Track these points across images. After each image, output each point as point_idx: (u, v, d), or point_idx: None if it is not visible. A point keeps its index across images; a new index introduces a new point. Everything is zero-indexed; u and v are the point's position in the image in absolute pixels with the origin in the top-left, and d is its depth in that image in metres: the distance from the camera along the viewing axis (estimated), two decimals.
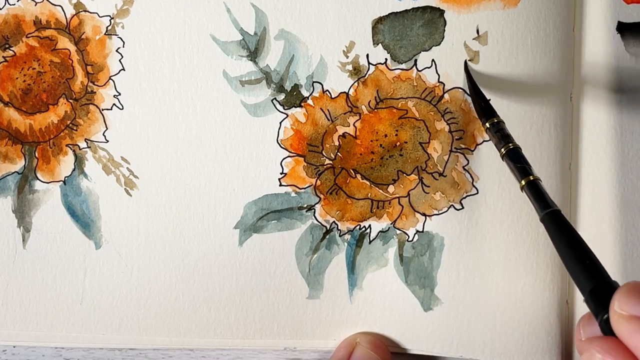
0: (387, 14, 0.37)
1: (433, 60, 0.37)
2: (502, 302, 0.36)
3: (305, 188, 0.37)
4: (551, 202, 0.30)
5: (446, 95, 0.37)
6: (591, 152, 0.36)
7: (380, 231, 0.37)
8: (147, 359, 0.39)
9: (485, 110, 0.35)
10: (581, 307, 0.36)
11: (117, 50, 0.38)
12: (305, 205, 0.37)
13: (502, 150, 0.33)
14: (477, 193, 0.36)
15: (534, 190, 0.31)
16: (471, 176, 0.37)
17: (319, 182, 0.37)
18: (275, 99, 0.38)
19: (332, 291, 0.37)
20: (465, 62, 0.36)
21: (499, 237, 0.36)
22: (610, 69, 0.36)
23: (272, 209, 0.38)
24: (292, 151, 0.37)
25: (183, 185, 0.38)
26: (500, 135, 0.33)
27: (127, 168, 0.38)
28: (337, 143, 0.37)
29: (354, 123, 0.37)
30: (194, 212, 0.38)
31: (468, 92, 0.36)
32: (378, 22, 0.37)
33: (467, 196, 0.37)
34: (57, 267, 0.38)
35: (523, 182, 0.31)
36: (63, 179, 0.39)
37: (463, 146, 0.37)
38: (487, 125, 0.34)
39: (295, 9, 0.37)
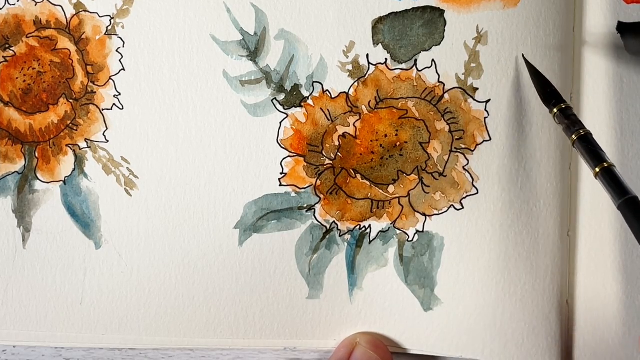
0: (387, 14, 0.37)
1: (433, 60, 0.37)
2: (502, 302, 0.36)
3: (305, 188, 0.37)
4: (628, 188, 0.29)
5: (446, 95, 0.37)
6: None
7: (380, 231, 0.37)
8: (147, 359, 0.39)
9: (553, 96, 0.34)
10: (581, 307, 0.36)
11: (117, 50, 0.38)
12: (305, 205, 0.37)
13: (573, 136, 0.31)
14: (477, 193, 0.36)
15: (610, 177, 0.29)
16: (471, 176, 0.37)
17: (319, 182, 0.37)
18: (275, 99, 0.38)
19: (332, 291, 0.37)
20: (523, 55, 0.36)
21: (499, 237, 0.36)
22: (610, 69, 0.36)
23: (272, 209, 0.38)
24: (292, 151, 0.37)
25: (183, 185, 0.38)
26: (570, 122, 0.32)
27: (127, 168, 0.38)
28: (337, 143, 0.37)
29: (354, 123, 0.37)
30: (194, 212, 0.38)
31: (532, 82, 0.35)
32: (378, 22, 0.37)
33: (467, 196, 0.37)
34: (57, 267, 0.38)
35: (597, 169, 0.30)
36: (63, 179, 0.39)
37: (463, 146, 0.37)
38: (555, 111, 0.33)
39: (295, 9, 0.37)
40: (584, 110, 0.36)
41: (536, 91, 0.35)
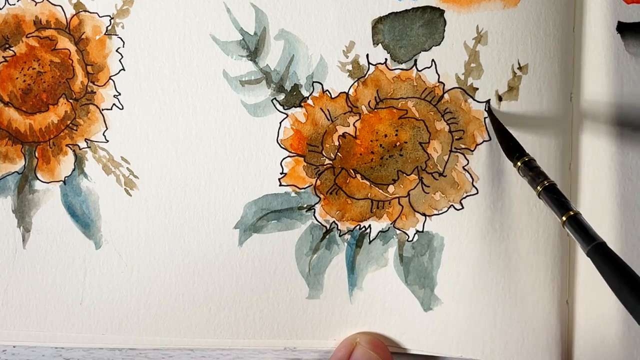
0: (387, 14, 0.37)
1: (433, 60, 0.37)
2: (502, 302, 0.36)
3: (305, 188, 0.37)
4: (595, 235, 0.29)
5: (446, 95, 0.37)
6: (591, 153, 0.36)
7: (380, 231, 0.37)
8: (147, 359, 0.39)
9: (515, 150, 0.34)
10: (581, 307, 0.36)
11: (117, 50, 0.38)
12: (305, 205, 0.37)
13: (538, 187, 0.32)
14: (477, 193, 0.36)
15: (577, 225, 0.30)
16: (471, 176, 0.37)
17: (319, 182, 0.37)
18: (275, 99, 0.38)
19: (332, 291, 0.37)
20: (488, 103, 0.36)
21: (499, 237, 0.36)
22: (610, 69, 0.36)
23: (272, 209, 0.38)
24: (292, 151, 0.37)
25: (183, 185, 0.38)
26: (534, 174, 0.33)
27: (127, 168, 0.38)
28: (337, 143, 0.37)
29: (354, 123, 0.37)
30: (194, 212, 0.38)
31: (494, 133, 0.36)
32: (378, 22, 0.37)
33: (467, 196, 0.37)
34: (57, 267, 0.38)
35: (564, 218, 0.30)
36: (63, 179, 0.39)
37: (463, 146, 0.37)
38: (519, 164, 0.33)
39: (295, 9, 0.37)
40: (584, 110, 0.36)
41: (499, 145, 0.35)
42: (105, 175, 0.38)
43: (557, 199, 0.31)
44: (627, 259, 0.35)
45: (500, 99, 0.36)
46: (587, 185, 0.36)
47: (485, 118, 0.36)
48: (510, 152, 0.34)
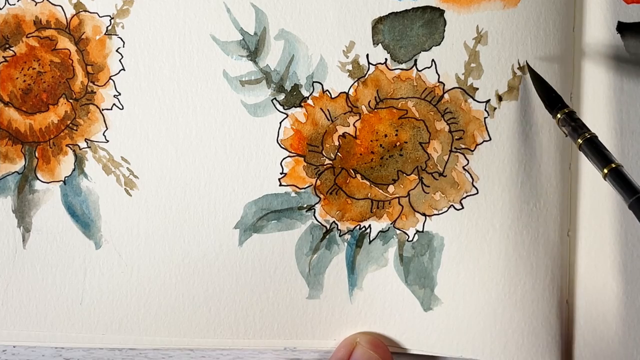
0: (387, 14, 0.37)
1: (433, 60, 0.37)
2: (502, 302, 0.36)
3: (305, 188, 0.37)
4: (638, 187, 0.29)
5: (446, 95, 0.37)
6: None
7: (380, 231, 0.37)
8: (147, 359, 0.39)
9: (557, 101, 0.34)
10: (581, 307, 0.36)
11: (117, 50, 0.38)
12: (305, 205, 0.37)
13: (579, 140, 0.32)
14: (477, 193, 0.36)
15: (618, 177, 0.29)
16: (471, 176, 0.37)
17: (319, 182, 0.37)
18: (275, 99, 0.38)
19: (332, 291, 0.37)
20: (527, 63, 0.36)
21: (499, 237, 0.36)
22: (610, 69, 0.36)
23: (272, 209, 0.38)
24: (292, 151, 0.37)
25: (183, 185, 0.38)
26: (576, 125, 0.32)
27: (127, 168, 0.38)
28: (337, 143, 0.37)
29: (354, 123, 0.37)
30: (194, 212, 0.38)
31: (534, 88, 0.36)
32: (378, 22, 0.37)
33: (467, 196, 0.37)
34: (57, 267, 0.38)
35: (605, 170, 0.30)
36: (63, 179, 0.39)
37: (463, 146, 0.37)
38: (559, 116, 0.33)
39: (295, 9, 0.37)
40: (584, 110, 0.36)
41: (539, 97, 0.35)
42: (105, 175, 0.38)
43: (599, 151, 0.31)
44: (627, 259, 0.36)
45: (500, 99, 0.36)
46: (587, 185, 0.36)
47: (485, 118, 0.36)
48: (551, 104, 0.34)
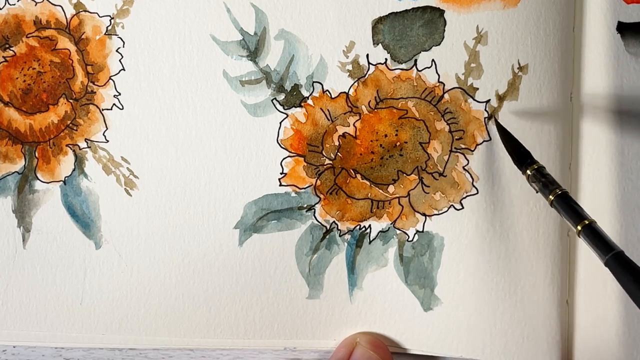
0: (387, 14, 0.37)
1: (433, 60, 0.37)
2: (502, 302, 0.36)
3: (305, 188, 0.37)
4: (613, 243, 0.28)
5: (446, 95, 0.37)
6: (591, 152, 0.36)
7: (380, 231, 0.37)
8: (147, 359, 0.39)
9: (525, 157, 0.34)
10: (581, 307, 0.36)
11: (117, 50, 0.38)
12: (305, 205, 0.37)
13: (550, 196, 0.31)
14: (477, 193, 0.36)
15: (593, 234, 0.29)
16: (471, 176, 0.37)
17: (319, 182, 0.37)
18: (275, 99, 0.38)
19: (332, 291, 0.37)
20: (492, 115, 0.36)
21: (499, 237, 0.36)
22: (610, 69, 0.36)
23: (272, 209, 0.38)
24: (292, 151, 0.37)
25: (183, 185, 0.38)
26: (546, 181, 0.32)
27: (127, 168, 0.38)
28: (337, 143, 0.37)
29: (354, 123, 0.37)
30: (194, 212, 0.38)
31: (497, 135, 0.36)
32: (378, 22, 0.37)
33: (467, 196, 0.37)
34: (57, 267, 0.38)
35: (579, 227, 0.29)
36: (63, 179, 0.39)
37: (463, 146, 0.37)
38: (529, 172, 0.33)
39: (295, 9, 0.37)
40: (584, 110, 0.36)
41: (508, 153, 0.35)
42: (105, 175, 0.38)
43: (572, 207, 0.30)
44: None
45: (500, 99, 0.36)
46: (587, 185, 0.36)
47: (485, 118, 0.36)
48: (520, 160, 0.34)
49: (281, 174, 0.37)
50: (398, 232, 0.37)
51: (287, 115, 0.37)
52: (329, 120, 0.37)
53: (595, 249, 0.29)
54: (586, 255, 0.36)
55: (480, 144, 0.37)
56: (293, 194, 0.38)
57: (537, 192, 0.33)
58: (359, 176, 0.37)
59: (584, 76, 0.37)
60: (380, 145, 0.37)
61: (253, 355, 0.38)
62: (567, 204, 0.31)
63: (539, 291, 0.36)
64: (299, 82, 0.37)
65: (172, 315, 0.38)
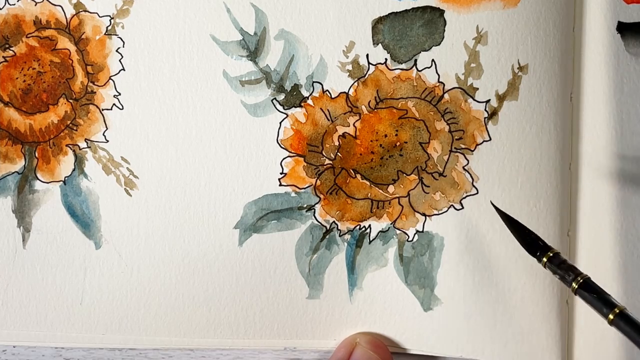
0: (387, 14, 0.37)
1: (433, 60, 0.37)
2: (502, 302, 0.36)
3: (305, 188, 0.37)
4: None
5: (446, 95, 0.37)
6: (591, 153, 0.36)
7: (380, 231, 0.37)
8: (147, 359, 0.39)
9: (536, 245, 0.31)
10: (581, 307, 0.36)
11: (117, 50, 0.38)
12: (305, 205, 0.37)
13: (574, 284, 0.29)
14: (477, 193, 0.36)
15: (627, 322, 0.27)
16: (471, 176, 0.37)
17: (319, 182, 0.37)
18: (275, 99, 0.38)
19: (332, 291, 0.37)
20: (492, 203, 0.35)
21: (499, 237, 0.36)
22: (610, 69, 0.36)
23: (272, 209, 0.38)
24: (292, 151, 0.37)
25: (183, 185, 0.38)
26: (566, 267, 0.30)
27: (127, 168, 0.38)
28: (337, 143, 0.37)
29: (354, 123, 0.37)
30: (194, 212, 0.38)
31: (509, 230, 0.33)
32: (378, 22, 0.37)
33: (467, 196, 0.37)
34: (57, 267, 0.38)
35: (611, 316, 0.28)
36: (63, 179, 0.39)
37: (463, 146, 0.37)
38: (545, 260, 0.31)
39: (295, 9, 0.37)
40: (584, 110, 0.36)
41: (516, 240, 0.33)
42: (105, 175, 0.38)
43: (599, 295, 0.28)
44: (627, 259, 0.36)
45: (500, 99, 0.36)
46: (587, 185, 0.36)
47: (485, 118, 0.36)
48: (531, 248, 0.31)
49: (281, 174, 0.37)
50: (398, 232, 0.37)
51: (287, 115, 0.37)
52: (329, 120, 0.37)
53: (631, 337, 0.27)
54: (586, 255, 0.36)
55: (480, 144, 0.37)
56: (293, 194, 0.38)
57: (557, 277, 0.31)
58: (359, 176, 0.37)
59: (584, 76, 0.37)
60: (380, 145, 0.37)
61: (253, 355, 0.38)
62: (593, 291, 0.29)
63: (539, 291, 0.36)
64: (299, 82, 0.37)
65: (172, 315, 0.38)
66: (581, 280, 0.29)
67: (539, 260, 0.31)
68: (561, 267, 0.30)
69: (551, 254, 0.31)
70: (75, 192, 0.38)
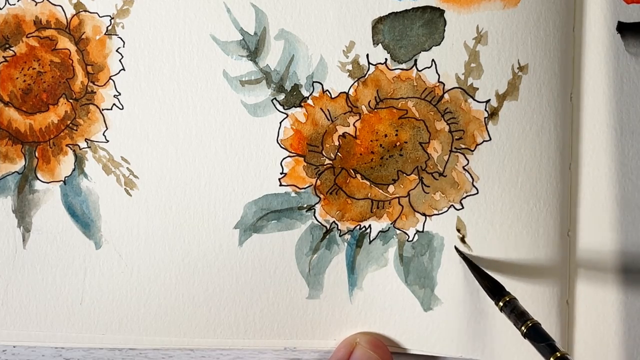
0: (387, 14, 0.37)
1: (433, 60, 0.37)
2: None
3: (305, 188, 0.37)
4: None
5: (446, 95, 0.37)
6: (591, 152, 0.36)
7: (380, 231, 0.37)
8: (147, 359, 0.39)
9: (495, 290, 0.34)
10: (581, 308, 0.36)
11: (117, 50, 0.38)
12: (305, 205, 0.37)
13: (523, 328, 0.32)
14: (477, 193, 0.36)
15: None
16: (471, 176, 0.37)
17: (319, 182, 0.37)
18: (275, 99, 0.38)
19: (332, 291, 0.37)
20: (456, 248, 0.36)
21: (499, 237, 0.36)
22: (610, 69, 0.36)
23: (272, 209, 0.38)
24: (292, 151, 0.37)
25: (183, 185, 0.38)
26: (517, 313, 0.32)
27: (127, 168, 0.38)
28: (337, 143, 0.37)
29: (354, 123, 0.37)
30: (194, 212, 0.38)
31: (471, 273, 0.35)
32: (378, 22, 0.37)
33: (467, 196, 0.37)
34: (57, 267, 0.38)
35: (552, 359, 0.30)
36: (63, 179, 0.39)
37: (463, 146, 0.37)
38: (501, 304, 0.33)
39: (295, 9, 0.37)
40: (584, 110, 0.37)
41: (478, 283, 0.35)
42: (105, 175, 0.38)
43: (543, 340, 0.31)
44: (627, 259, 0.36)
45: (500, 98, 0.36)
46: (587, 185, 0.36)
47: (485, 118, 0.36)
48: (492, 293, 0.34)
49: (281, 174, 0.37)
50: (398, 232, 0.37)
51: (287, 115, 0.37)
52: (329, 120, 0.37)
53: None
54: (586, 255, 0.36)
55: (480, 144, 0.37)
56: (293, 194, 0.38)
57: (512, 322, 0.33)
58: (359, 176, 0.37)
59: (584, 76, 0.37)
60: (380, 145, 0.37)
61: (253, 355, 0.38)
62: (539, 336, 0.31)
63: (539, 291, 0.36)
64: (299, 82, 0.37)
65: (172, 315, 0.38)
66: (530, 324, 0.32)
67: (496, 304, 0.34)
68: (514, 312, 0.33)
69: (507, 298, 0.33)
70: (75, 192, 0.38)
